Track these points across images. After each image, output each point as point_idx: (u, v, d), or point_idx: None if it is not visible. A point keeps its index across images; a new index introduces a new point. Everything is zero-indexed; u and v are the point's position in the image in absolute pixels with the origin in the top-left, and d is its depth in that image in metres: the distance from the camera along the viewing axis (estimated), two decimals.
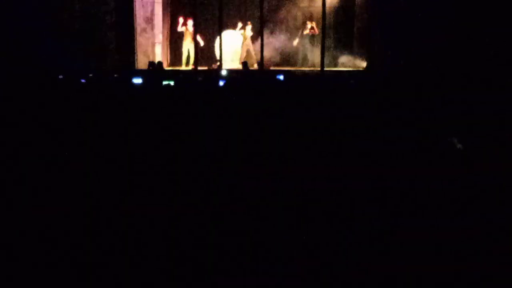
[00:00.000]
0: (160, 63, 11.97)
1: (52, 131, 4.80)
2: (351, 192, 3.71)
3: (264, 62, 13.31)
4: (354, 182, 3.86)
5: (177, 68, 14.31)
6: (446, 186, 3.61)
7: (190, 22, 13.96)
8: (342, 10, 14.58)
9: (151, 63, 12.22)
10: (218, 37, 13.89)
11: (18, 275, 2.69)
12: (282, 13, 15.14)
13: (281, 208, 3.45)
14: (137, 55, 13.62)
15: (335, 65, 14.47)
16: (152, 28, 14.16)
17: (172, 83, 8.65)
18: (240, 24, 14.71)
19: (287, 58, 14.93)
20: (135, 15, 13.53)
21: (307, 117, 5.55)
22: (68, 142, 4.50)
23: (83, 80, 8.60)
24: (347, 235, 3.17)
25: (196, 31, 13.70)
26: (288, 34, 14.88)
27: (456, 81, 8.20)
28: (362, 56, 13.87)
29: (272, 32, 14.81)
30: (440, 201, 3.48)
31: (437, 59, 10.63)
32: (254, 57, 14.49)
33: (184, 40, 14.15)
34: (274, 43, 14.69)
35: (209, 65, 13.87)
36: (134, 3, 13.44)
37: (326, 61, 13.38)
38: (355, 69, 13.70)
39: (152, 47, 14.16)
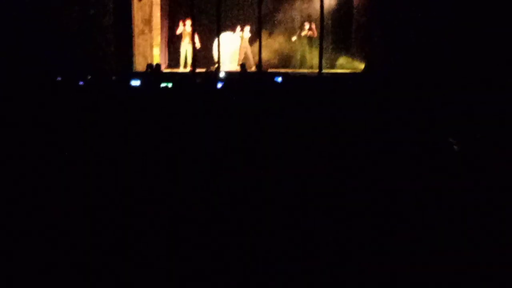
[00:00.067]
0: (158, 65, 11.96)
1: (50, 132, 4.80)
2: (350, 192, 3.71)
3: (262, 64, 13.31)
4: (352, 182, 3.87)
5: (176, 70, 14.31)
6: (444, 187, 3.61)
7: (188, 24, 13.96)
8: (340, 12, 14.59)
9: (150, 65, 12.22)
10: (216, 39, 13.89)
11: (18, 275, 2.68)
12: (280, 15, 15.15)
13: (280, 208, 3.45)
14: (135, 57, 13.60)
15: (333, 67, 14.47)
16: (150, 30, 14.15)
17: (170, 85, 8.66)
18: (238, 26, 14.72)
19: (285, 60, 14.93)
20: (133, 17, 13.51)
21: (305, 118, 5.56)
22: (65, 143, 4.50)
23: (81, 82, 8.61)
24: (345, 235, 3.17)
25: (194, 33, 13.69)
26: (286, 36, 14.88)
27: (456, 81, 8.20)
28: (360, 57, 13.88)
29: (270, 34, 14.82)
30: (439, 201, 3.48)
31: (437, 60, 10.63)
32: (252, 59, 14.50)
33: (182, 41, 14.16)
34: (272, 45, 14.71)
35: (207, 67, 13.87)
36: (132, 5, 13.43)
37: (324, 63, 13.38)
38: (353, 71, 13.71)
39: (150, 49, 14.15)
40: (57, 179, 3.63)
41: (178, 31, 14.13)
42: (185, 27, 14.07)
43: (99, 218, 3.17)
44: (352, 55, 14.25)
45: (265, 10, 14.51)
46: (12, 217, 3.15)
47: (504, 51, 9.88)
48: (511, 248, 2.95)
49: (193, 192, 3.66)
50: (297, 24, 15.05)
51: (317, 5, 13.68)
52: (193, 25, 13.71)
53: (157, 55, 14.21)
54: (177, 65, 14.47)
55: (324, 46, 13.52)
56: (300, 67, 14.50)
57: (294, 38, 14.64)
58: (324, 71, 13.23)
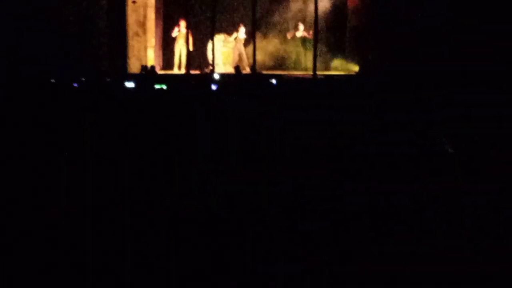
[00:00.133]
0: (153, 67, 11.96)
1: (45, 133, 4.79)
2: (347, 194, 3.72)
3: (256, 66, 13.31)
4: (349, 184, 3.88)
5: (170, 72, 14.28)
6: (442, 188, 3.63)
7: (182, 25, 13.94)
8: (334, 13, 14.60)
9: (144, 67, 12.21)
10: (210, 41, 13.89)
11: (18, 275, 2.67)
12: (275, 17, 15.15)
13: (279, 208, 3.45)
14: (129, 59, 13.57)
15: (327, 69, 14.48)
16: (145, 32, 14.12)
17: (165, 87, 8.65)
18: (232, 28, 14.72)
19: (279, 61, 14.94)
20: (127, 19, 13.48)
21: (302, 120, 5.57)
22: (62, 144, 4.49)
23: (75, 84, 8.58)
24: (344, 236, 3.17)
25: (188, 35, 13.68)
26: (281, 38, 14.89)
27: (453, 83, 8.22)
28: (354, 59, 13.89)
29: (264, 36, 14.82)
30: (437, 203, 3.49)
31: (433, 61, 10.63)
32: (246, 61, 14.50)
33: (176, 43, 14.13)
34: (266, 47, 14.71)
35: (201, 69, 13.86)
36: (127, 6, 13.40)
37: (318, 64, 13.39)
38: (347, 73, 13.72)
39: (145, 51, 14.12)
40: (57, 179, 3.62)
41: (173, 34, 14.11)
42: (179, 29, 14.06)
43: (99, 218, 3.17)
44: (346, 57, 14.26)
45: (259, 12, 14.51)
46: (12, 217, 3.14)
47: (503, 51, 9.88)
48: (510, 249, 2.97)
49: (192, 193, 3.66)
50: (291, 25, 15.06)
51: (311, 7, 13.69)
52: (187, 26, 13.70)
53: (151, 57, 14.18)
54: (172, 67, 14.45)
55: (319, 48, 13.54)
56: (294, 69, 14.51)
57: (288, 40, 14.66)
58: (318, 73, 13.23)
